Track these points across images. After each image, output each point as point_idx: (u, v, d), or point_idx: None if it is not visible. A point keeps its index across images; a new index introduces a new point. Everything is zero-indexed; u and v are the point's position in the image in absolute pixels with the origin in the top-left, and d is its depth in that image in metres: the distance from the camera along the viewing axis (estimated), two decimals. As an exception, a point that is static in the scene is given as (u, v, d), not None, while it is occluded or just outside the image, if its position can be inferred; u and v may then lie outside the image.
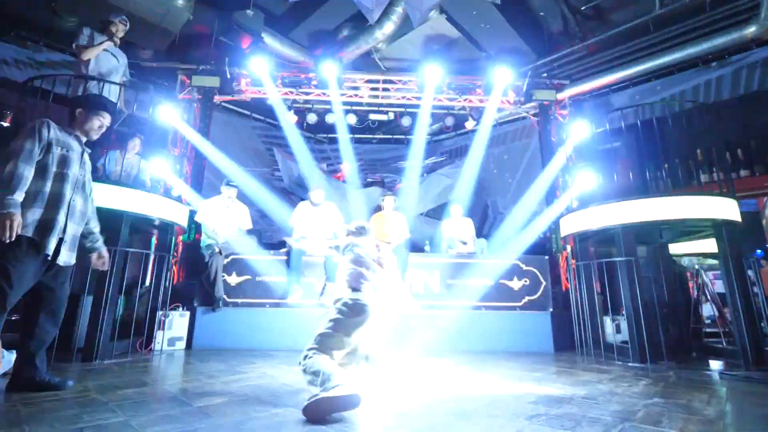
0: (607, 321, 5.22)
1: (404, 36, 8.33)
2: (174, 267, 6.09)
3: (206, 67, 7.46)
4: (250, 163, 9.69)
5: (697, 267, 5.83)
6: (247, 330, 5.23)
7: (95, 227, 3.11)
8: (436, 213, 10.01)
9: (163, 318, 4.88)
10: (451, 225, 6.73)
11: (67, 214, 2.75)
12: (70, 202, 2.77)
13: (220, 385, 3.00)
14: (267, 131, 10.23)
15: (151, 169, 5.64)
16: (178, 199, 5.21)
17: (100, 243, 3.11)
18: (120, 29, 5.04)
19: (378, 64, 9.01)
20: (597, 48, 8.41)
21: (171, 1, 6.71)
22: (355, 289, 2.74)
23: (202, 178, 7.09)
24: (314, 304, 5.27)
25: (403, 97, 8.36)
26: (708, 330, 5.97)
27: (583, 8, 7.89)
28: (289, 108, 8.54)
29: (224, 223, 5.55)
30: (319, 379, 2.25)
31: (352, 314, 2.62)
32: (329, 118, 8.71)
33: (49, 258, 2.66)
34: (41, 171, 2.65)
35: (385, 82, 8.24)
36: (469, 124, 8.94)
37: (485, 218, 9.82)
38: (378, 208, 6.46)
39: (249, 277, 5.45)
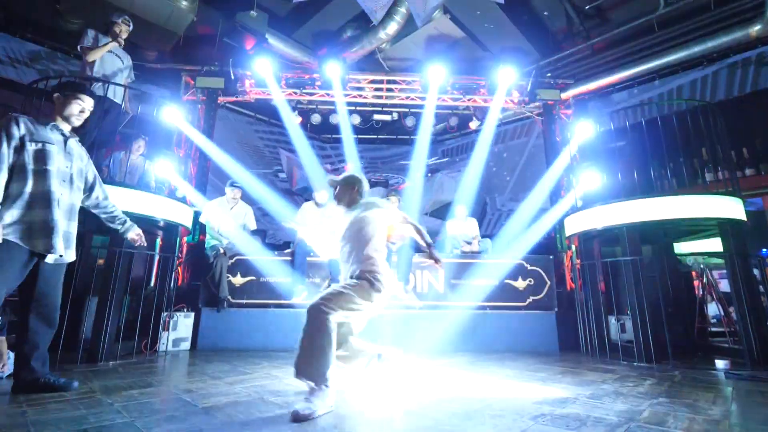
0: (612, 321, 5.20)
1: (408, 36, 8.33)
2: (179, 268, 6.11)
3: (210, 69, 7.47)
4: (254, 164, 9.72)
5: (702, 266, 5.80)
6: (251, 331, 5.25)
7: (113, 209, 3.09)
8: (440, 213, 10.03)
9: (167, 319, 4.90)
10: (455, 225, 6.72)
11: (54, 211, 2.64)
12: (57, 199, 2.67)
13: (225, 385, 3.01)
14: (271, 132, 10.24)
15: (156, 170, 5.66)
16: (183, 200, 5.23)
17: (128, 224, 3.12)
18: (123, 29, 5.04)
19: (382, 64, 9.01)
20: (601, 47, 8.39)
21: (175, 3, 6.74)
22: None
23: (207, 179, 7.11)
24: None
25: (407, 98, 8.35)
26: (713, 329, 5.94)
27: (587, 8, 7.86)
28: (293, 109, 8.55)
29: (229, 224, 5.56)
30: (321, 364, 2.29)
31: (373, 289, 2.56)
32: (333, 119, 8.73)
33: (38, 257, 2.60)
34: (19, 170, 2.57)
35: (389, 82, 8.23)
36: (473, 124, 8.94)
37: (483, 215, 9.87)
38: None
39: (253, 277, 5.47)
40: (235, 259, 5.47)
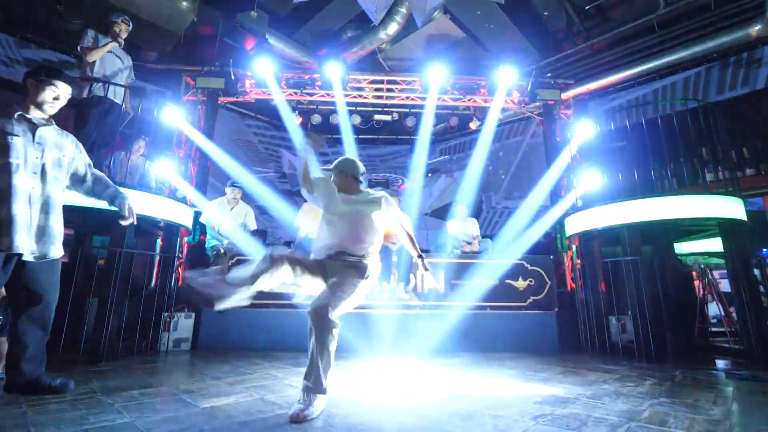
0: (613, 321, 5.20)
1: (408, 36, 8.34)
2: (179, 268, 6.11)
3: (211, 69, 7.47)
4: (254, 164, 9.72)
5: (702, 266, 5.80)
6: (251, 331, 5.24)
7: (107, 187, 2.89)
8: (440, 213, 10.03)
9: (168, 319, 4.90)
10: (456, 225, 6.72)
11: (17, 206, 2.43)
12: (27, 192, 2.49)
13: (225, 386, 3.01)
14: (271, 132, 10.24)
15: (156, 170, 5.66)
16: (183, 200, 5.23)
17: (120, 197, 2.88)
18: (123, 29, 5.01)
19: (382, 64, 9.01)
20: (601, 47, 8.40)
21: (175, 3, 6.75)
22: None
23: (207, 179, 7.11)
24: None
25: (408, 98, 8.35)
26: (714, 329, 5.93)
27: (587, 8, 7.87)
28: (294, 109, 8.55)
29: (229, 224, 5.56)
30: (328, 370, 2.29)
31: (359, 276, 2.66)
32: (333, 119, 8.73)
33: (17, 256, 2.45)
34: None
35: (389, 82, 8.22)
36: (474, 125, 8.94)
37: (479, 213, 9.88)
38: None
39: (254, 277, 5.45)
40: (235, 259, 5.46)
